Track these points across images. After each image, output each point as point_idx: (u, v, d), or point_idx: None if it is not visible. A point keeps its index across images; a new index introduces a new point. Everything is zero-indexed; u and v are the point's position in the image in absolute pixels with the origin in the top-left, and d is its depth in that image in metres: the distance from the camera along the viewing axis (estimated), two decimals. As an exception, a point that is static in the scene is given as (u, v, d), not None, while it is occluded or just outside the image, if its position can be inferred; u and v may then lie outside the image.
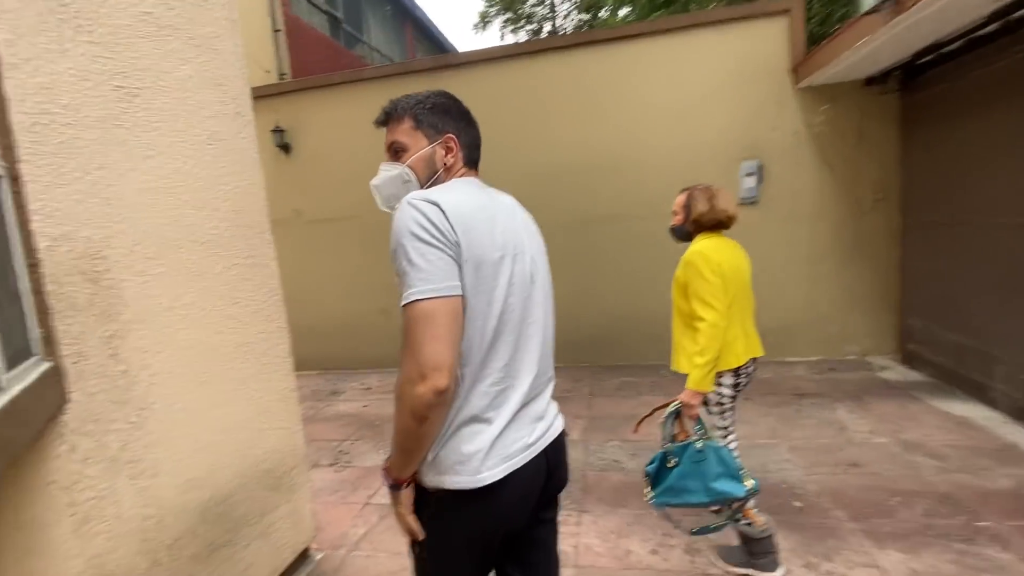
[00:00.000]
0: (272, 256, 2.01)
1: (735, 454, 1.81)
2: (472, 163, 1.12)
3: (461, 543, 1.02)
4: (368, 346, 5.13)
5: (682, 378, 1.80)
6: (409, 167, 1.06)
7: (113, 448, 1.30)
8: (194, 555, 1.52)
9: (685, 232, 1.96)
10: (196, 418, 1.57)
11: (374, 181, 1.11)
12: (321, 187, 4.99)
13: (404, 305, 0.88)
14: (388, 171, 1.09)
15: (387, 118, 1.09)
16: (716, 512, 1.83)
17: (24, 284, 1.10)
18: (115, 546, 1.29)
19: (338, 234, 5.03)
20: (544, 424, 1.08)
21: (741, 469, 1.70)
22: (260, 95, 5.06)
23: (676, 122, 4.46)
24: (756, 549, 1.92)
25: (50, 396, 1.13)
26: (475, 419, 0.97)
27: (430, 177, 1.06)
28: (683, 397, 1.76)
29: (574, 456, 2.92)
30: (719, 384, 1.83)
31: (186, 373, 1.55)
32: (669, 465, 1.76)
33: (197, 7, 1.66)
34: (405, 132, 1.06)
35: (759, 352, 1.94)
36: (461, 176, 1.08)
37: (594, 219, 4.72)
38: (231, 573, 1.67)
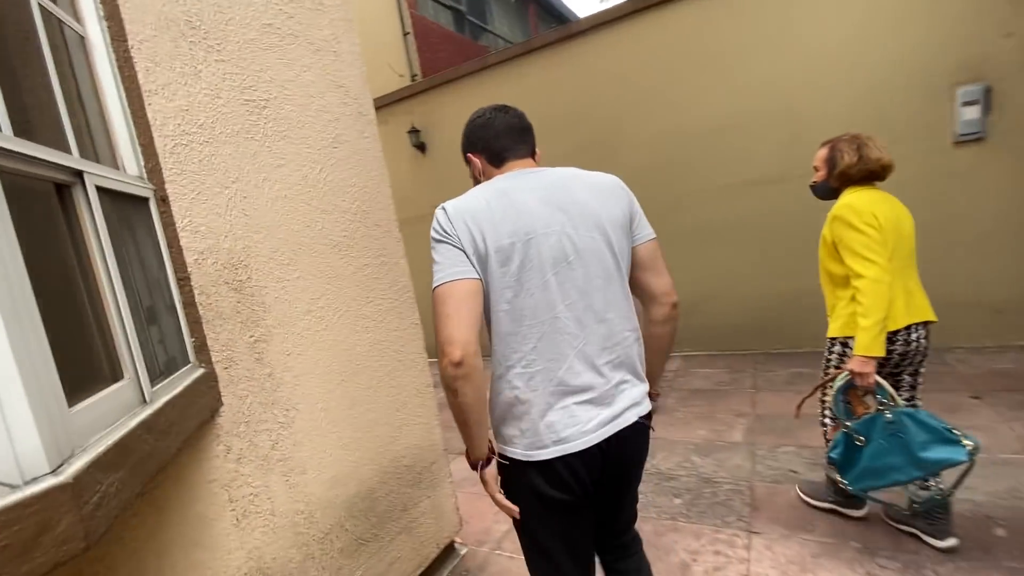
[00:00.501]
0: (401, 254, 2.02)
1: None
2: (503, 156, 1.22)
3: (529, 506, 1.12)
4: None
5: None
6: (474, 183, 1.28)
7: (264, 447, 1.37)
8: (343, 549, 1.58)
9: (829, 189, 1.81)
10: (337, 416, 1.62)
11: None
12: (455, 181, 5.12)
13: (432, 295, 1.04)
14: None
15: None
16: (923, 487, 1.66)
17: (176, 297, 1.17)
18: (272, 539, 1.36)
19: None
20: (606, 413, 1.10)
21: (952, 428, 1.46)
22: (396, 99, 5.38)
23: (853, 51, 3.59)
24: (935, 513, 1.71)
25: (205, 400, 1.20)
26: (515, 401, 1.08)
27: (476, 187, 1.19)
28: (852, 366, 1.58)
29: (737, 463, 2.56)
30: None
31: (325, 373, 1.59)
32: (858, 444, 1.57)
33: (314, 12, 1.67)
34: (465, 158, 1.32)
35: (926, 316, 1.69)
36: (492, 177, 1.20)
37: (751, 183, 4.07)
38: (378, 567, 1.71)
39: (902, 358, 1.68)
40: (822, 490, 1.96)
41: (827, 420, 1.85)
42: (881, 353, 1.55)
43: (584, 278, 1.08)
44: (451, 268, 1.02)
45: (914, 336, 1.66)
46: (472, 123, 1.29)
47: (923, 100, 3.41)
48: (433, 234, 1.07)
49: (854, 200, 1.65)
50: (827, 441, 1.82)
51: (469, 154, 1.29)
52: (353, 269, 1.74)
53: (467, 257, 1.03)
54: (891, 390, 1.57)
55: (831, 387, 1.68)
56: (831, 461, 1.66)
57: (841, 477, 1.63)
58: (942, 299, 3.31)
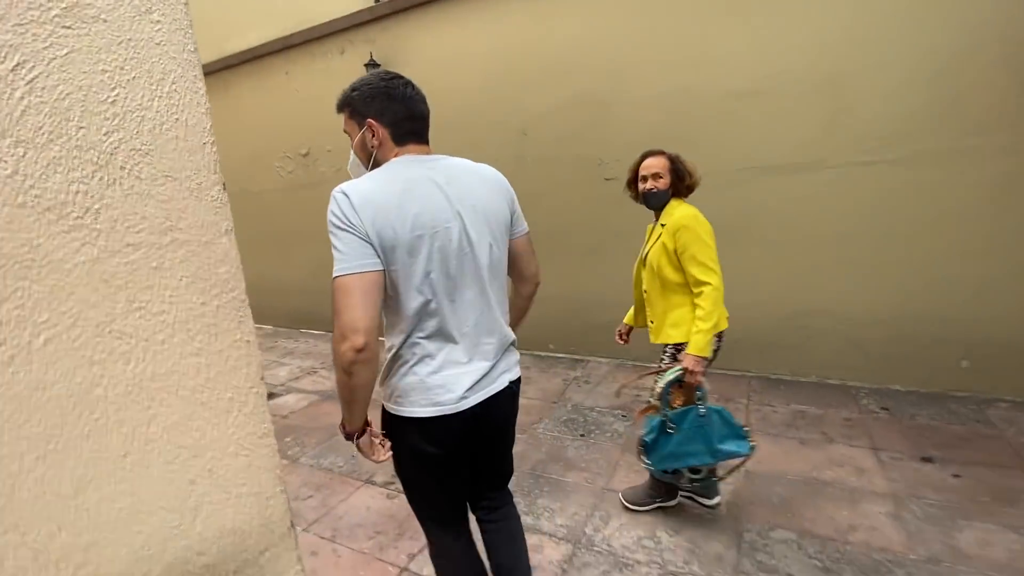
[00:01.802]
0: (223, 230, 1.25)
1: None
2: (406, 137, 1.36)
3: (407, 455, 1.42)
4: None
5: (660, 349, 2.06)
6: (353, 153, 1.39)
7: None
8: None
9: (665, 198, 2.02)
10: (39, 512, 0.88)
11: (349, 166, 1.46)
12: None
13: (332, 280, 1.16)
14: (350, 159, 1.45)
15: (337, 110, 1.41)
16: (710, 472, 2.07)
17: None
18: None
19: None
20: (485, 381, 1.37)
21: (745, 427, 1.90)
22: (354, 23, 4.42)
23: (921, 8, 2.78)
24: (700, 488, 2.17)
25: None
26: (412, 370, 1.32)
27: (369, 159, 1.33)
28: (688, 363, 1.85)
29: (717, 550, 1.88)
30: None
31: (16, 439, 0.85)
32: (669, 431, 1.86)
33: None
34: (347, 122, 1.38)
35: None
36: (396, 156, 1.32)
37: (773, 169, 3.30)
38: None
39: (717, 354, 1.98)
40: (641, 493, 2.16)
41: (652, 400, 2.01)
42: (709, 354, 1.84)
43: (475, 269, 1.31)
44: (357, 260, 1.15)
45: (724, 340, 2.04)
46: (377, 87, 1.30)
47: (1011, 77, 2.63)
48: (335, 220, 1.16)
49: (696, 213, 1.89)
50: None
51: (371, 120, 1.33)
52: (96, 254, 0.98)
53: (373, 249, 1.18)
54: (707, 387, 1.88)
55: (661, 377, 1.90)
56: (642, 443, 1.92)
57: (647, 458, 1.92)
58: (983, 337, 2.62)
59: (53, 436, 0.92)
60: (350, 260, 1.11)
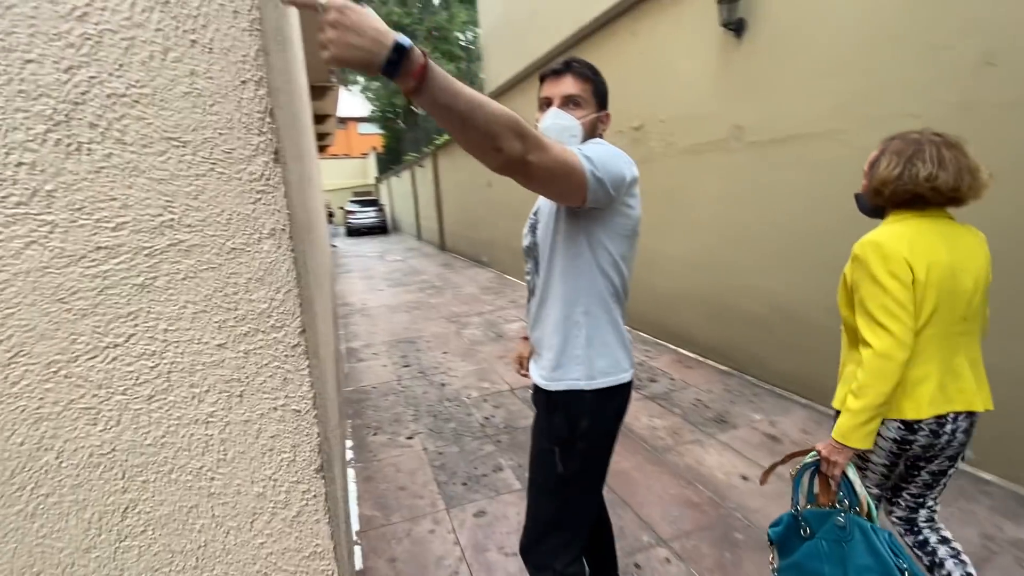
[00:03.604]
0: (266, 230, 0.77)
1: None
2: None
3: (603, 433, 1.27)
4: (799, 355, 3.07)
5: None
6: (582, 125, 1.16)
7: None
8: None
9: (869, 206, 1.31)
10: None
11: (545, 123, 1.15)
12: (783, 87, 3.00)
13: None
14: (562, 120, 1.14)
15: (568, 70, 1.16)
16: None
17: None
18: None
19: (798, 161, 2.97)
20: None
21: (902, 568, 1.12)
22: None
23: None
24: None
25: None
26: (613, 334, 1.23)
27: (585, 141, 1.15)
28: (822, 449, 1.25)
29: None
30: (880, 437, 1.25)
31: None
32: (803, 534, 1.27)
33: None
34: (586, 91, 1.17)
35: (971, 404, 1.23)
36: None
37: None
38: None
39: (925, 451, 1.25)
40: None
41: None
42: (862, 446, 1.19)
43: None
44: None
45: (948, 428, 1.22)
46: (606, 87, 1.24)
47: None
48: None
49: (886, 236, 1.18)
50: None
51: (608, 114, 1.26)
52: (48, 260, 0.64)
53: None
54: (861, 490, 1.23)
55: (801, 461, 1.33)
56: (768, 537, 1.36)
57: (777, 555, 1.34)
58: None
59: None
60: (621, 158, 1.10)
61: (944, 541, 1.37)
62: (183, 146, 0.67)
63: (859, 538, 1.19)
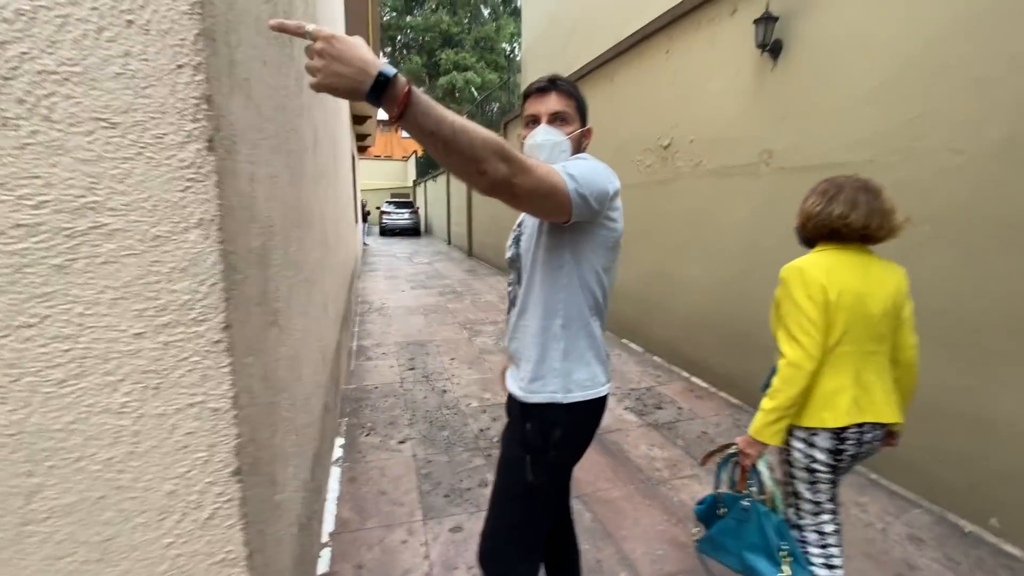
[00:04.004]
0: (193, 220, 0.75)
1: (829, 540, 1.44)
2: None
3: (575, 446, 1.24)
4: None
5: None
6: (570, 140, 1.16)
7: None
8: None
9: (803, 238, 1.51)
10: None
11: (536, 139, 1.14)
12: (818, 112, 2.87)
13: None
14: (553, 136, 1.14)
15: (553, 88, 1.16)
16: None
17: None
18: None
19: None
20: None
21: (783, 549, 1.37)
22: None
23: None
24: None
25: None
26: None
27: (571, 156, 1.15)
28: (740, 442, 1.47)
29: None
30: (810, 445, 1.40)
31: None
32: (719, 512, 1.54)
33: None
34: (570, 107, 1.17)
35: (881, 416, 1.39)
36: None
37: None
38: None
39: (839, 460, 1.39)
40: None
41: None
42: (772, 442, 1.40)
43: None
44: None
45: (868, 436, 1.40)
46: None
47: None
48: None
49: (808, 264, 1.38)
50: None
51: (591, 129, 1.24)
52: (-32, 232, 0.64)
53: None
54: (766, 480, 1.46)
55: (727, 452, 1.57)
56: (695, 513, 1.63)
57: (697, 528, 1.60)
58: None
59: None
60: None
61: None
62: (112, 127, 0.65)
63: (755, 520, 1.44)
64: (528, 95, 1.20)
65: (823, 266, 1.37)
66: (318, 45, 0.72)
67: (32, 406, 0.68)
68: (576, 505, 2.27)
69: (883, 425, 1.42)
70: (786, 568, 1.37)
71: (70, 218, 0.65)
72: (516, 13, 20.30)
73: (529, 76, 8.85)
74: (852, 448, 1.40)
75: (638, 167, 4.71)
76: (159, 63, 0.65)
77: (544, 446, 1.15)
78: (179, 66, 0.66)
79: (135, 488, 0.74)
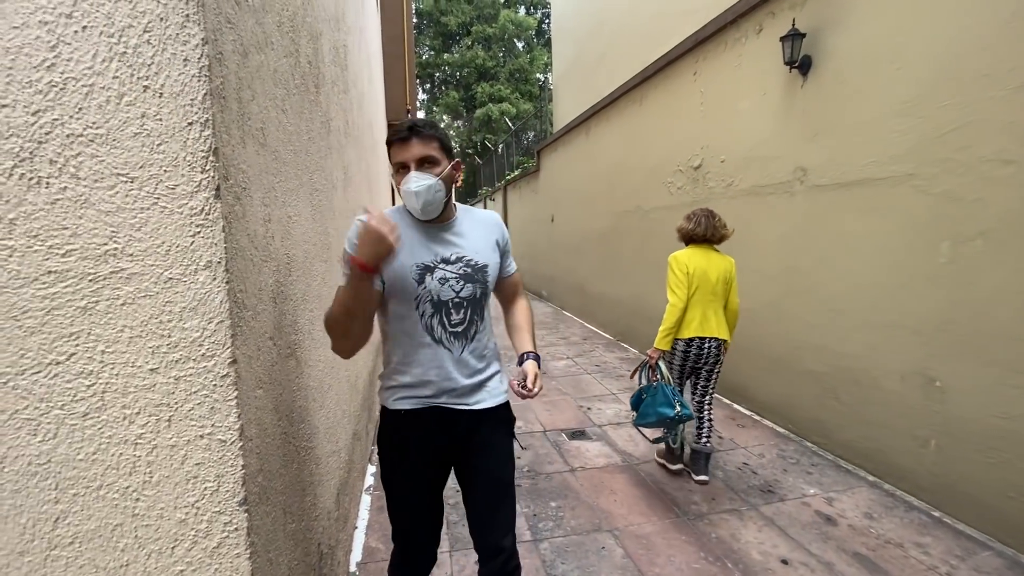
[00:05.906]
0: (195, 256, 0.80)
1: (686, 397, 2.71)
2: None
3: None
4: (867, 426, 2.69)
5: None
6: (441, 180, 1.20)
7: None
8: None
9: (682, 240, 2.74)
10: None
11: (414, 187, 1.16)
12: (852, 127, 2.77)
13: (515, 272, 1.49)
14: (425, 181, 1.17)
15: (411, 134, 1.17)
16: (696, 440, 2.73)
17: None
18: None
19: (868, 207, 2.69)
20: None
21: (674, 400, 2.47)
22: (778, -14, 3.26)
23: None
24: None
25: None
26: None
27: (449, 192, 1.24)
28: (649, 351, 2.63)
29: None
30: (673, 348, 2.64)
31: None
32: (643, 398, 2.60)
33: None
34: (435, 150, 1.20)
35: (714, 333, 2.59)
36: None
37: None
38: None
39: (697, 359, 2.63)
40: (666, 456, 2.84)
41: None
42: (664, 347, 2.58)
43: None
44: None
45: (706, 346, 2.60)
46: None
47: None
48: None
49: (682, 254, 2.62)
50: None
51: (459, 161, 1.28)
52: (5, 280, 0.71)
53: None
54: (665, 372, 2.58)
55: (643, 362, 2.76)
56: (630, 403, 2.69)
57: (633, 412, 2.67)
58: None
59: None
60: None
61: (704, 414, 2.76)
62: (130, 181, 0.72)
63: (660, 391, 2.51)
64: (391, 144, 1.19)
65: (687, 255, 2.61)
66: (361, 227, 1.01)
67: (59, 437, 0.74)
68: (607, 540, 2.19)
69: (717, 340, 2.61)
70: (677, 407, 2.44)
71: (94, 264, 0.72)
72: (549, 44, 20.81)
73: (561, 104, 9.00)
74: (698, 350, 2.61)
75: (669, 189, 4.66)
76: (171, 122, 0.72)
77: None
78: (189, 123, 0.73)
79: (149, 516, 0.78)
